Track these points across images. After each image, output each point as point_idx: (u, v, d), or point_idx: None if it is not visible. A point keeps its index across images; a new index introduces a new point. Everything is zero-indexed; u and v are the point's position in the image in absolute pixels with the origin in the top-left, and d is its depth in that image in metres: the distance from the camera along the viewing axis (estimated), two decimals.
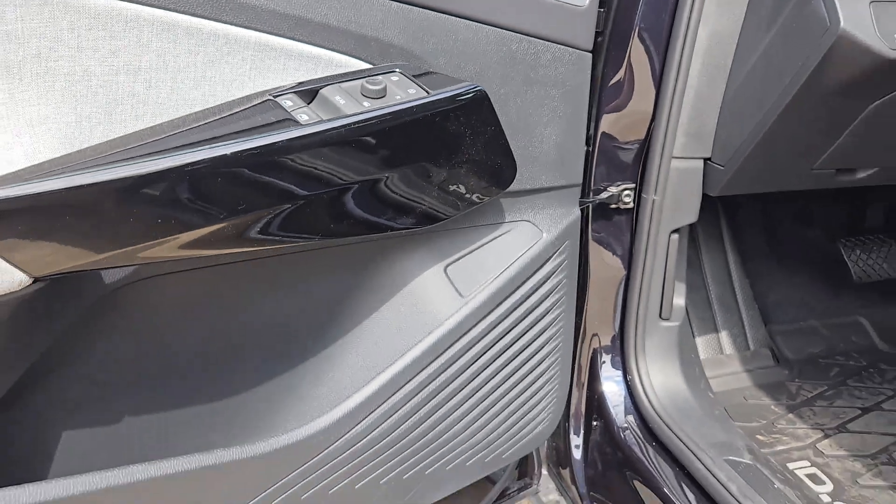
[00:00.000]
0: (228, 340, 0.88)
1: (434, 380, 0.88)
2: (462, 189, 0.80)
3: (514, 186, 0.86)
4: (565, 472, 1.22)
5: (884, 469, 1.16)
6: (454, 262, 0.85)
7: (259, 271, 0.85)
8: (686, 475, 1.06)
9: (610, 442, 1.17)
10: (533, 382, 1.00)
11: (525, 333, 0.93)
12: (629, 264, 1.18)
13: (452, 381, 0.89)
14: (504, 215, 0.88)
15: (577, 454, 1.21)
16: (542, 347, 0.97)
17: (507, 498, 1.22)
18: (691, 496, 1.03)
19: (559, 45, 0.85)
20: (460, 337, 0.86)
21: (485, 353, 0.90)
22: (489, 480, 1.20)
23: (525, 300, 0.90)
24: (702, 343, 1.42)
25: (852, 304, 1.57)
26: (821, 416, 1.30)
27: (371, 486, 0.91)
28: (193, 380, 0.88)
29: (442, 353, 0.86)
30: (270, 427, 0.86)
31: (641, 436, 1.14)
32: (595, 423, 1.19)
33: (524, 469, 1.26)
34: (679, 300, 1.20)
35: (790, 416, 1.30)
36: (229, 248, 0.70)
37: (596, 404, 1.19)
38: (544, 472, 1.25)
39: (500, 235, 0.87)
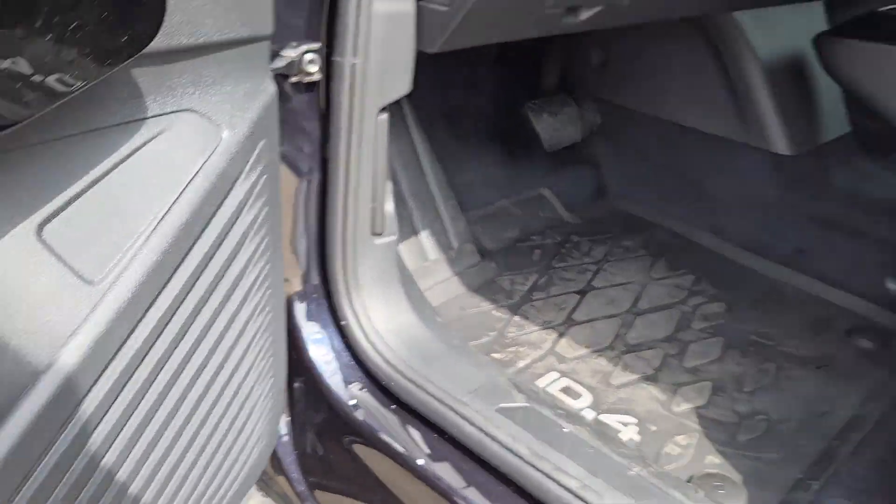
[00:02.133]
0: None
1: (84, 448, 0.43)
2: (60, 56, 0.34)
3: (157, 44, 0.41)
4: (279, 479, 0.86)
5: (627, 360, 1.04)
6: (55, 215, 0.38)
7: None
8: (449, 440, 0.78)
9: (334, 424, 0.83)
10: (246, 398, 0.60)
11: (214, 327, 0.51)
12: (323, 165, 0.81)
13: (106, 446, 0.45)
14: (145, 105, 0.43)
15: (288, 455, 0.85)
16: (247, 333, 0.57)
17: None
18: (465, 466, 0.76)
19: None
20: (97, 374, 0.41)
21: (154, 379, 0.47)
22: None
23: (205, 266, 0.48)
24: (404, 252, 1.14)
25: (536, 175, 1.44)
26: (544, 311, 1.14)
27: None
28: None
29: (76, 408, 0.41)
30: None
31: (379, 403, 0.82)
32: (308, 405, 0.84)
33: None
34: (389, 206, 0.88)
35: (516, 319, 1.11)
36: None
37: (305, 377, 0.83)
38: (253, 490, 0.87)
39: (140, 147, 0.42)
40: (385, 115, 0.80)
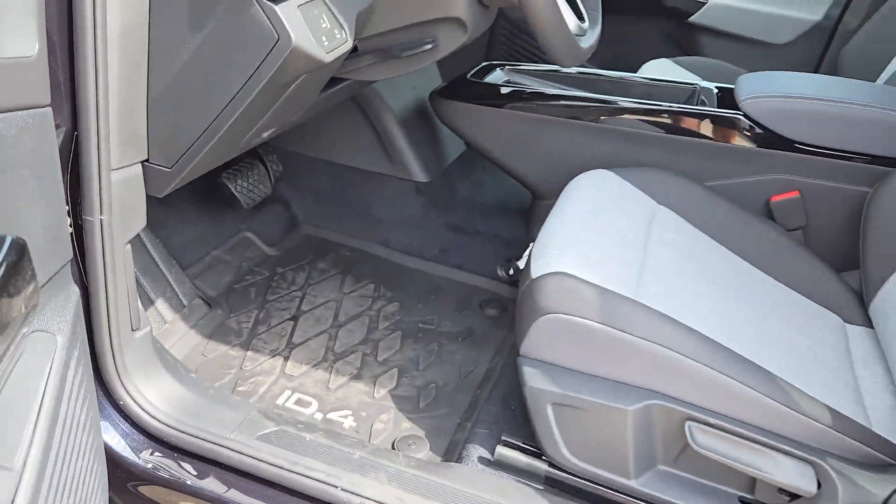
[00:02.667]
0: None
1: None
2: None
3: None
4: None
5: (338, 366, 1.41)
6: None
7: None
8: (218, 465, 1.09)
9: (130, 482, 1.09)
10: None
11: None
12: (86, 290, 1.03)
13: None
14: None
15: None
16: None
17: None
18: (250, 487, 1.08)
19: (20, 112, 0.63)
20: None
21: None
22: None
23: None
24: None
25: (237, 222, 1.72)
26: (269, 341, 1.46)
27: None
28: None
29: None
30: None
31: (173, 462, 1.09)
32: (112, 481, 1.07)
33: None
34: (137, 303, 1.13)
35: (249, 353, 1.42)
36: None
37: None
38: None
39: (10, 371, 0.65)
40: (129, 245, 1.04)
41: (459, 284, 1.70)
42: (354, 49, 1.21)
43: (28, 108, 0.66)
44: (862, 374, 1.22)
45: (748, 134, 1.50)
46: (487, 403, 1.32)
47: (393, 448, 1.24)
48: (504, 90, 1.67)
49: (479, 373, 1.43)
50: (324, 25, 0.95)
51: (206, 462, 1.10)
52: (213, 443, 1.09)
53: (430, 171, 1.80)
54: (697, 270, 1.27)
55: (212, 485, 1.09)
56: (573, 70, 1.83)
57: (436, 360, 1.46)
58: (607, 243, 1.23)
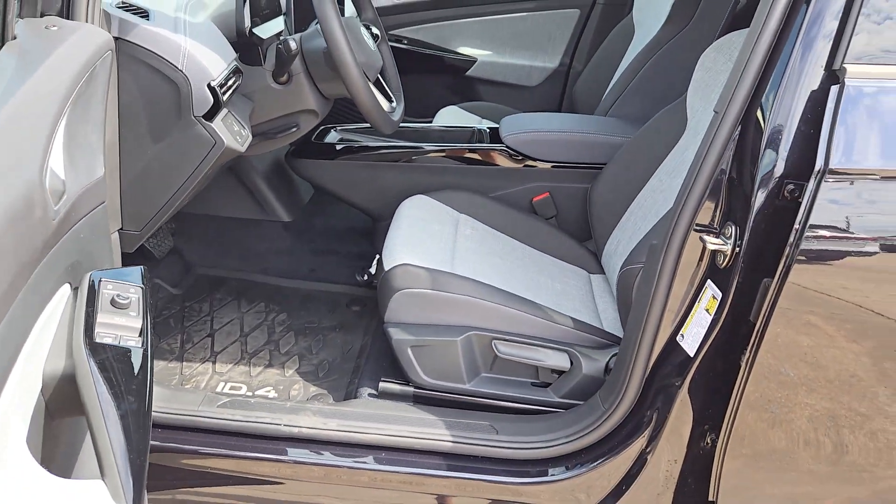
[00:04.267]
0: None
1: None
2: None
3: None
4: None
5: (254, 361, 1.93)
6: None
7: None
8: (213, 432, 1.58)
9: None
10: None
11: None
12: None
13: None
14: None
15: None
16: None
17: None
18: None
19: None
20: None
21: None
22: None
23: None
24: None
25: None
26: (196, 353, 1.94)
27: None
28: None
29: None
30: None
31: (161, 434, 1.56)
32: None
33: None
34: None
35: (185, 363, 1.90)
36: None
37: None
38: None
39: None
40: None
41: (329, 293, 2.27)
42: None
43: (100, 205, 1.16)
44: (598, 301, 1.95)
45: (512, 159, 2.21)
46: (367, 364, 1.90)
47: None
48: (339, 146, 2.28)
49: (355, 348, 2.01)
50: (236, 129, 1.50)
51: (185, 430, 1.58)
52: (189, 415, 1.58)
53: (292, 211, 2.36)
54: (490, 251, 1.94)
55: (193, 445, 1.57)
56: None
57: (323, 346, 2.02)
58: (429, 242, 1.87)
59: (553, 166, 2.21)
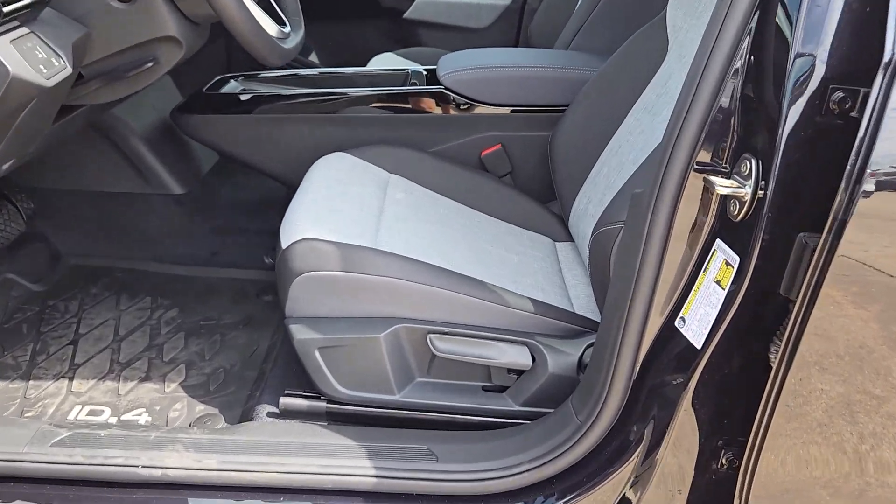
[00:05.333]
0: None
1: None
2: None
3: None
4: None
5: (126, 374, 1.49)
6: None
7: None
8: (41, 481, 1.14)
9: None
10: None
11: None
12: None
13: None
14: None
15: None
16: None
17: None
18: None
19: None
20: None
21: None
22: None
23: None
24: None
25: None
26: (51, 368, 1.50)
27: None
28: None
29: None
30: None
31: None
32: None
33: None
34: None
35: (32, 382, 1.45)
36: None
37: None
38: None
39: None
40: None
41: (234, 281, 1.83)
42: (81, 76, 1.31)
43: None
44: (567, 275, 1.54)
45: (453, 103, 1.78)
46: (272, 371, 1.47)
47: (190, 426, 1.35)
48: (243, 97, 1.83)
49: (262, 350, 1.58)
50: (39, 55, 1.05)
51: (5, 481, 1.15)
52: (8, 460, 1.14)
53: (186, 182, 1.90)
54: (426, 219, 1.51)
55: (13, 501, 1.14)
56: (312, 72, 2.04)
57: (221, 349, 1.59)
58: (347, 209, 1.43)
59: (506, 111, 1.78)
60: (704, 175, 0.95)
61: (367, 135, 1.79)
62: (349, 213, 1.42)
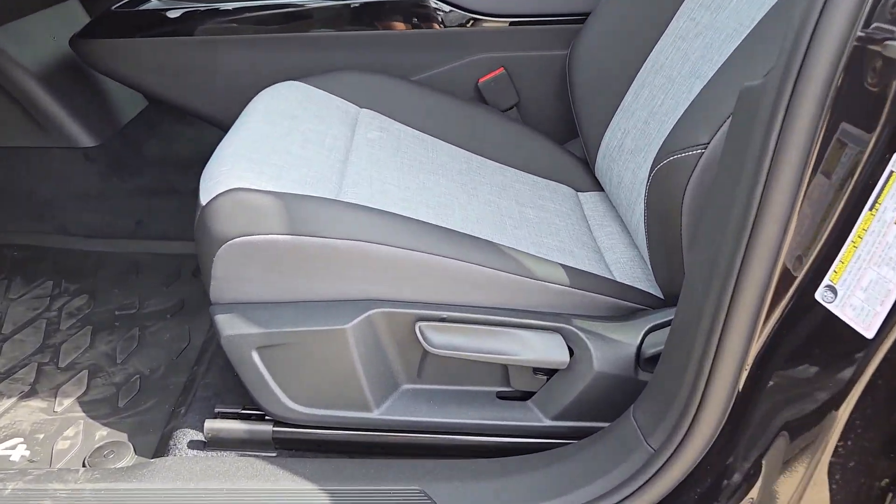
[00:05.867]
0: None
1: None
2: None
3: None
4: None
5: (1, 388, 1.08)
6: None
7: None
8: None
9: None
10: None
11: None
12: None
13: None
14: None
15: None
16: None
17: None
18: None
19: None
20: None
21: None
22: None
23: None
24: None
25: None
26: None
27: None
28: None
29: None
30: None
31: None
32: None
33: None
34: None
35: None
36: None
37: None
38: None
39: None
40: None
41: (165, 257, 1.42)
42: None
43: None
44: (599, 234, 1.14)
45: (439, 15, 1.36)
46: (205, 378, 1.07)
47: (84, 466, 0.95)
48: (171, 14, 1.39)
49: (194, 347, 1.18)
50: None
51: None
52: None
53: (99, 132, 1.48)
54: (410, 165, 1.11)
55: None
56: None
57: (139, 347, 1.18)
58: (299, 152, 1.02)
59: (508, 24, 1.37)
60: (877, 40, 0.55)
61: (330, 60, 1.37)
62: (301, 156, 1.01)
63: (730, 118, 0.77)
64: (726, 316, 0.66)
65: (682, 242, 0.84)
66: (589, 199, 1.27)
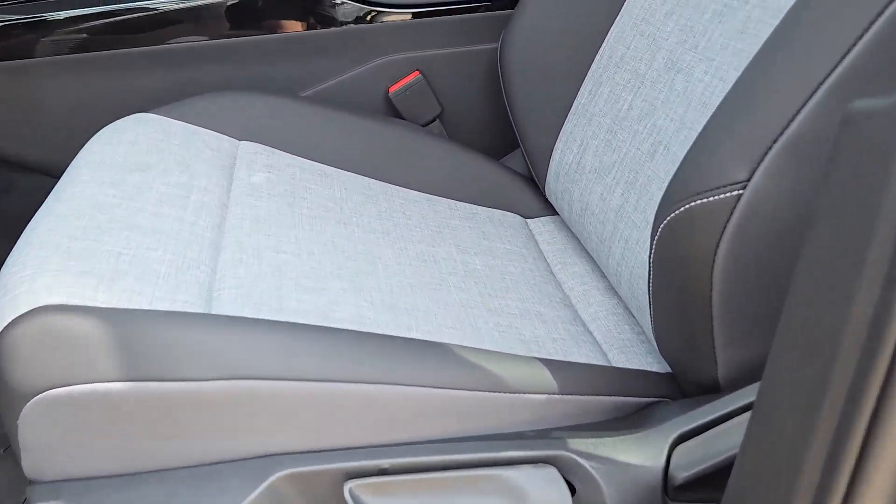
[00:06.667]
0: None
1: None
2: None
3: None
4: None
5: None
6: None
7: None
8: None
9: None
10: None
11: None
12: None
13: None
14: None
15: None
16: None
17: None
18: None
19: None
20: None
21: None
22: None
23: None
24: None
25: None
26: None
27: None
28: None
29: None
30: None
31: None
32: None
33: None
34: None
35: None
36: None
37: None
38: None
39: None
40: None
41: None
42: None
43: None
44: (564, 277, 0.90)
45: (330, 10, 1.06)
46: None
47: None
48: None
49: None
50: None
51: None
52: None
53: None
54: (310, 215, 0.81)
55: None
56: None
57: None
58: (149, 224, 0.71)
59: (416, 14, 1.08)
60: None
61: (192, 79, 1.06)
62: (153, 232, 0.70)
63: (778, 147, 0.52)
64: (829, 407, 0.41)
65: (713, 312, 0.59)
66: (541, 226, 1.01)
